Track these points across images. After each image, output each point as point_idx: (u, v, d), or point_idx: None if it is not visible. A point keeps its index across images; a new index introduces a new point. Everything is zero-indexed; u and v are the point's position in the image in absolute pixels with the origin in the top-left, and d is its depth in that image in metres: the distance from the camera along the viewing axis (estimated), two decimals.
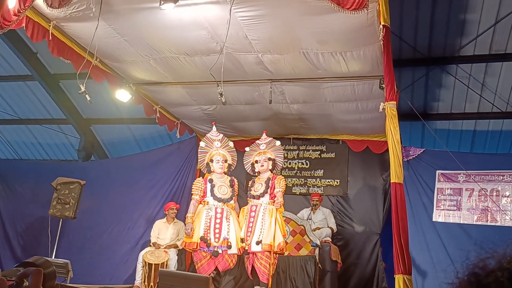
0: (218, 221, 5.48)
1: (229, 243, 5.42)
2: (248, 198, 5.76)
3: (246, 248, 5.40)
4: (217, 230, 5.42)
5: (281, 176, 5.76)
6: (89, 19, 4.84)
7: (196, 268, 5.50)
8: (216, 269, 5.53)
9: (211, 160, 5.85)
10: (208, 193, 5.64)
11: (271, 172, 5.72)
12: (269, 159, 5.68)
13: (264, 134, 5.99)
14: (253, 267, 5.38)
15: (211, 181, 5.71)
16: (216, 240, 5.39)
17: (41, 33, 5.02)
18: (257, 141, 6.00)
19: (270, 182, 5.52)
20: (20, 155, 11.73)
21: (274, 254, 5.27)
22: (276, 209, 5.40)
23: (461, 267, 0.87)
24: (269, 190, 5.50)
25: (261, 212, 5.44)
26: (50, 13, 4.84)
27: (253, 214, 5.52)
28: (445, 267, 6.35)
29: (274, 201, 5.42)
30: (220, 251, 5.37)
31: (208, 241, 5.38)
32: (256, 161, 5.76)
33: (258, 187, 5.63)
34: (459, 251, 6.40)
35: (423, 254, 6.67)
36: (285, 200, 7.72)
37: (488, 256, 0.85)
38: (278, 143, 5.87)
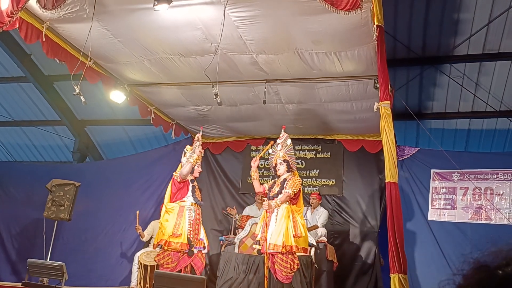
0: (197, 222, 5.58)
1: (203, 244, 5.59)
2: (268, 200, 5.70)
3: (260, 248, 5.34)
4: (196, 231, 5.51)
5: (296, 177, 5.36)
6: (83, 20, 4.83)
7: (170, 267, 5.43)
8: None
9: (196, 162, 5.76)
10: (190, 193, 5.63)
11: (290, 173, 5.55)
12: (284, 161, 5.56)
13: (282, 131, 5.72)
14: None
15: (192, 181, 5.69)
16: (195, 240, 5.48)
17: (34, 34, 5.00)
18: (277, 140, 5.78)
19: (286, 183, 5.43)
20: (15, 157, 11.67)
21: (288, 254, 5.18)
22: (291, 208, 5.28)
23: (465, 262, 0.88)
24: (283, 191, 5.42)
25: (275, 213, 5.39)
26: (43, 14, 4.82)
27: (268, 214, 5.47)
28: (440, 266, 6.38)
29: (289, 202, 5.32)
30: (195, 251, 5.46)
31: (192, 242, 5.44)
32: (275, 165, 5.66)
33: (275, 188, 5.58)
34: (454, 249, 6.43)
35: (418, 253, 6.70)
36: None
37: (496, 251, 0.86)
38: (289, 141, 5.62)
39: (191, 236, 5.47)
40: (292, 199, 5.29)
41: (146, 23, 4.91)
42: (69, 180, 7.23)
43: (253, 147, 8.39)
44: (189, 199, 5.60)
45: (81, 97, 5.16)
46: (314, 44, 5.06)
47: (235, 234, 7.01)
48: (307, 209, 7.08)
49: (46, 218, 7.12)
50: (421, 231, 6.86)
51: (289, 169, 5.44)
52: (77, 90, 5.06)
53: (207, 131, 8.18)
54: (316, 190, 7.75)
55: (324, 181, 7.87)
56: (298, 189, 5.30)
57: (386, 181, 4.19)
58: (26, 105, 10.12)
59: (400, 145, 7.38)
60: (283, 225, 5.12)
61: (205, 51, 5.36)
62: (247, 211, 7.51)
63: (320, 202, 7.19)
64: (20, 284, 6.00)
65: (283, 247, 5.03)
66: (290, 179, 5.32)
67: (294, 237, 5.10)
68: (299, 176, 7.84)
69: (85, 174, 8.33)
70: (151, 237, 7.02)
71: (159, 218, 7.08)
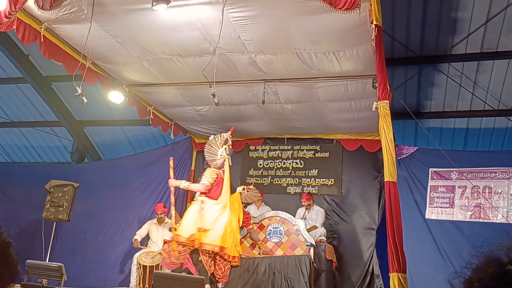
0: None
1: None
2: None
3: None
4: None
5: (210, 169, 5.69)
6: (81, 20, 4.81)
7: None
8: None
9: None
10: None
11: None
12: None
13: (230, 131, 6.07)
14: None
15: None
16: None
17: (32, 35, 4.99)
18: None
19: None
20: (13, 158, 11.65)
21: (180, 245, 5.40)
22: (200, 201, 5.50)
23: (475, 256, 0.87)
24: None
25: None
26: (41, 15, 4.81)
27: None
28: (438, 264, 6.39)
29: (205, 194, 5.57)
30: None
31: None
32: None
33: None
34: (451, 248, 6.45)
35: (417, 252, 6.70)
36: (280, 200, 7.79)
37: (508, 245, 0.85)
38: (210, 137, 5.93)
39: None
40: (210, 191, 5.48)
41: (144, 23, 4.90)
42: (67, 181, 7.23)
43: (252, 147, 8.39)
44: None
45: (83, 98, 5.16)
46: (312, 43, 5.07)
47: None
48: (305, 209, 7.08)
49: (45, 219, 7.11)
50: (420, 230, 6.87)
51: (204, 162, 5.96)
52: (79, 91, 5.06)
53: (206, 131, 8.18)
54: (315, 190, 7.76)
55: (323, 181, 7.87)
56: (213, 179, 5.49)
57: (385, 180, 4.19)
58: (24, 106, 10.10)
59: (399, 144, 7.38)
60: (185, 217, 5.35)
61: (204, 51, 5.35)
62: (246, 210, 7.51)
63: (311, 201, 7.12)
64: (19, 285, 5.99)
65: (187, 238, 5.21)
66: (204, 171, 5.65)
67: (198, 231, 5.22)
68: (299, 176, 7.98)
69: (84, 174, 8.33)
70: (149, 238, 7.01)
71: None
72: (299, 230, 6.42)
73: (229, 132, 5.85)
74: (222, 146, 5.63)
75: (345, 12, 4.11)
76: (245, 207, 7.77)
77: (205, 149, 5.75)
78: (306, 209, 7.04)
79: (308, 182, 7.93)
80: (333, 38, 4.93)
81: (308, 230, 6.54)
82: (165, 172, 8.28)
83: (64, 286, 5.72)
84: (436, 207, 6.94)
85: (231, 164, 5.65)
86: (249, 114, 7.21)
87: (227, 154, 5.56)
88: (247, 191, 6.36)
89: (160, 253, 6.55)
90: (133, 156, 9.32)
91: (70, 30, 5.15)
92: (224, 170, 5.57)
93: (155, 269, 6.19)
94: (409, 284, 3.98)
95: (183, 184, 5.67)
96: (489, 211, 6.57)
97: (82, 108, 9.20)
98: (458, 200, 6.82)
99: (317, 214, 7.02)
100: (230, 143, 5.85)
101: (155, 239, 6.85)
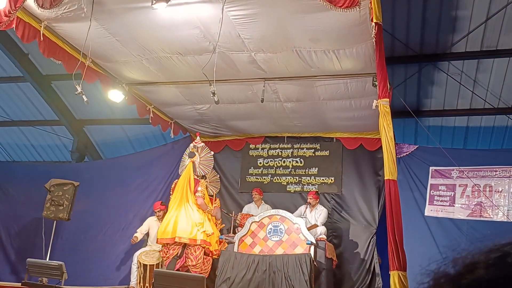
0: None
1: None
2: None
3: None
4: None
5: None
6: (81, 19, 4.82)
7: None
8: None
9: None
10: None
11: None
12: None
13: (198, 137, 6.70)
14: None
15: None
16: None
17: (32, 33, 4.99)
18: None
19: None
20: (13, 157, 11.65)
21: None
22: None
23: (424, 274, 0.85)
24: None
25: None
26: (41, 13, 4.81)
27: None
28: (438, 262, 6.39)
29: None
30: None
31: None
32: None
33: None
34: (452, 246, 6.42)
35: (417, 250, 6.69)
36: (280, 198, 7.79)
37: (455, 258, 0.84)
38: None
39: None
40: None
41: (144, 22, 4.90)
42: (68, 180, 7.23)
43: (251, 146, 8.39)
44: None
45: (83, 97, 5.16)
46: (312, 42, 5.06)
47: (234, 232, 7.01)
48: (306, 207, 7.07)
49: (45, 218, 7.11)
50: (419, 228, 6.85)
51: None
52: (79, 89, 5.06)
53: (205, 130, 8.18)
54: (315, 188, 7.74)
55: (323, 179, 7.87)
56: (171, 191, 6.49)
57: (385, 178, 4.19)
58: (24, 105, 10.10)
59: (399, 142, 7.38)
60: None
61: (204, 50, 5.35)
62: (246, 209, 7.51)
63: (318, 201, 7.15)
64: (20, 284, 6.00)
65: None
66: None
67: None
68: (299, 174, 7.99)
69: (84, 173, 8.32)
70: (148, 235, 7.02)
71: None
72: (300, 229, 6.41)
73: (197, 139, 6.59)
74: None
75: (345, 10, 4.11)
76: (242, 206, 7.79)
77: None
78: (308, 207, 7.03)
79: (308, 180, 7.93)
80: (333, 36, 4.93)
81: (309, 229, 6.54)
82: (165, 171, 8.35)
83: (64, 284, 5.73)
84: (436, 205, 6.93)
85: (196, 160, 6.28)
86: (249, 112, 7.21)
87: (188, 157, 6.33)
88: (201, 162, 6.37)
89: (160, 252, 6.56)
90: (133, 155, 9.31)
91: (69, 29, 5.15)
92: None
93: (155, 268, 6.20)
94: (410, 283, 3.97)
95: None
96: (489, 210, 6.57)
97: (82, 107, 9.20)
98: (459, 198, 6.81)
99: (319, 214, 7.00)
100: (199, 146, 6.41)
101: (155, 236, 6.85)
